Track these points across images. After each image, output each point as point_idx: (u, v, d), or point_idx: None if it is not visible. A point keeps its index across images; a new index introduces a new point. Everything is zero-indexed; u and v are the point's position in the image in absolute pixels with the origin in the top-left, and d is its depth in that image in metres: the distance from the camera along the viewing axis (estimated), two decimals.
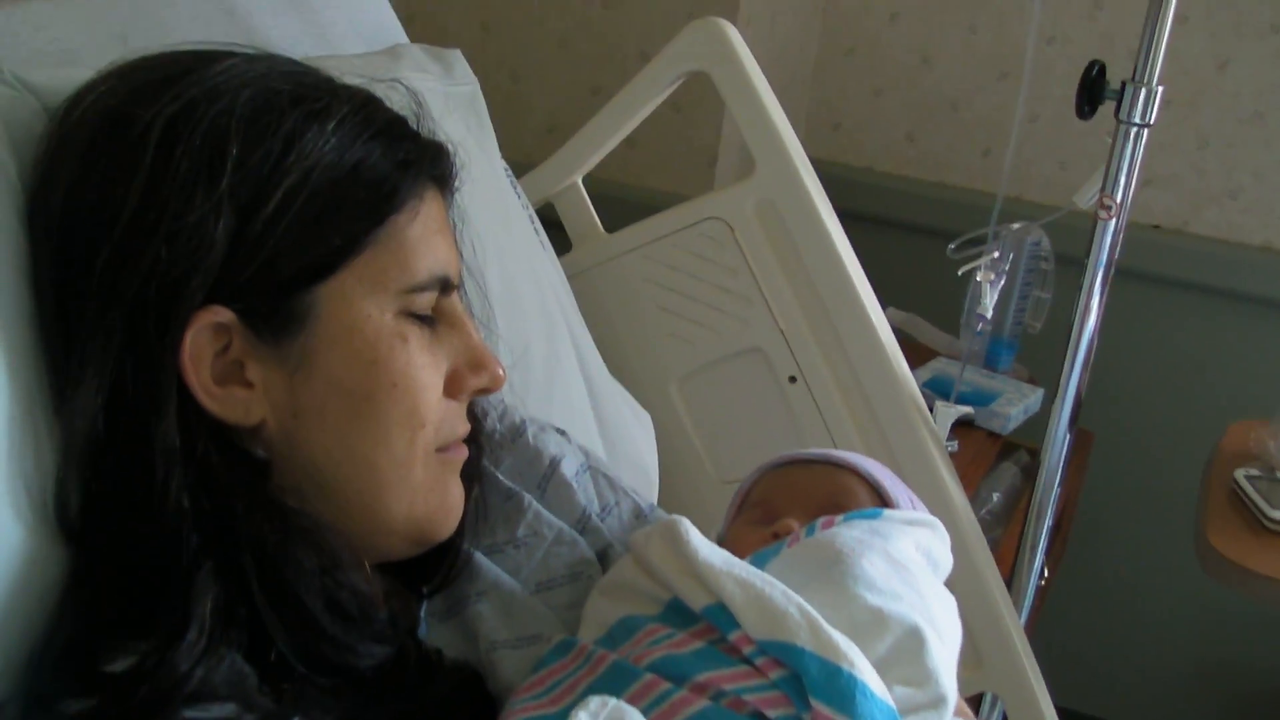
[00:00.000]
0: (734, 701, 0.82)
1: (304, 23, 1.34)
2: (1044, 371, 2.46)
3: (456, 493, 0.95)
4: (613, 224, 1.72)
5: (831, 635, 0.84)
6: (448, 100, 1.36)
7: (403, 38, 1.47)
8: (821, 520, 1.00)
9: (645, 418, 1.55)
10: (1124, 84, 1.60)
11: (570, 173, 1.69)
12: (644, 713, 0.81)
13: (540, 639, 0.97)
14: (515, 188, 1.47)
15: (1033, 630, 1.95)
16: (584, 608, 0.98)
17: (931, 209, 2.79)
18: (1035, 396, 2.32)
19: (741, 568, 0.90)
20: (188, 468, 0.81)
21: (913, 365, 1.69)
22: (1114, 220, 1.62)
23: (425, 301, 0.90)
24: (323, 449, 0.87)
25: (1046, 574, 2.16)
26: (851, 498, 1.07)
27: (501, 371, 0.95)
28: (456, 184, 0.97)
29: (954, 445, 2.10)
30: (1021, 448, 2.30)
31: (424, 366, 0.90)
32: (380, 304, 0.87)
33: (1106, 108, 1.65)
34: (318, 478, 0.88)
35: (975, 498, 2.07)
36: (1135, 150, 1.62)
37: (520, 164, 1.63)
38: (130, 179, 0.80)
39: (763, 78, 1.59)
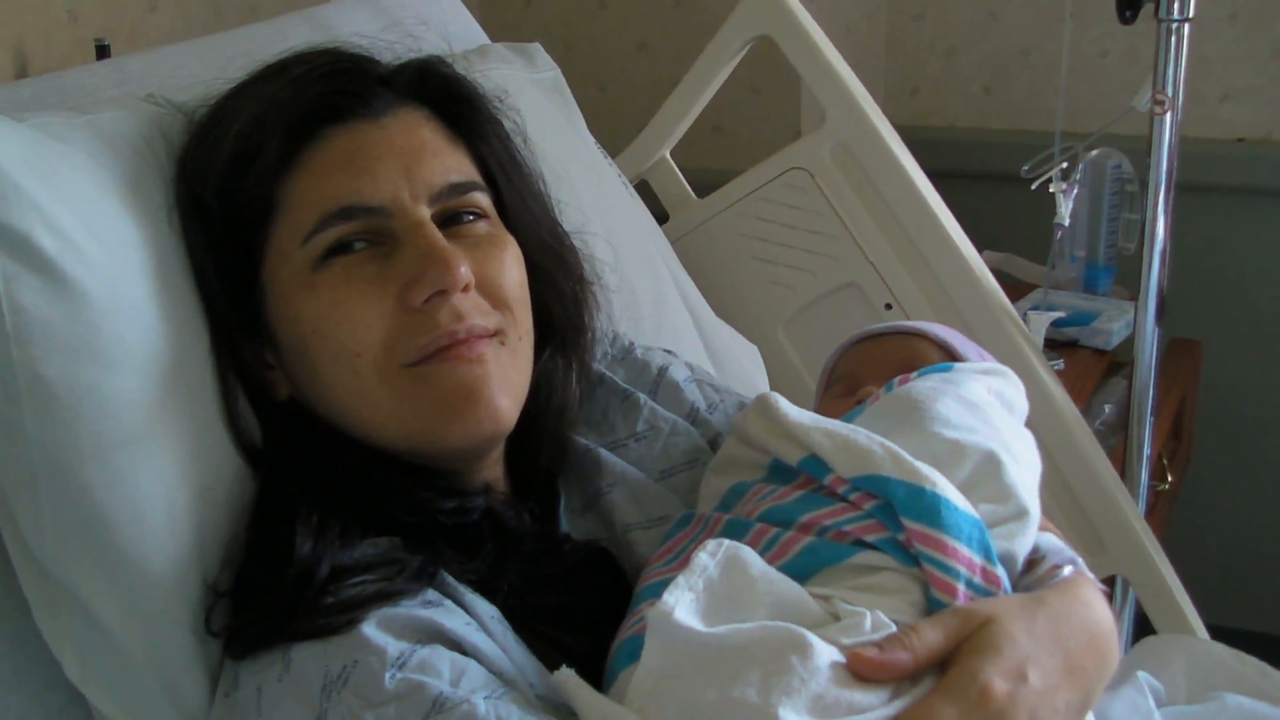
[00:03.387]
0: (836, 534, 0.93)
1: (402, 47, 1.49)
2: None
3: (460, 392, 0.96)
4: None
5: (913, 462, 0.93)
6: (534, 87, 1.51)
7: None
8: (898, 379, 1.10)
9: (753, 349, 1.67)
10: None
11: (658, 147, 1.83)
12: (759, 554, 0.91)
13: (668, 519, 1.08)
14: (606, 157, 1.61)
15: (1170, 543, 1.99)
16: (699, 488, 1.10)
17: (1017, 155, 2.85)
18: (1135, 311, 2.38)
19: (828, 422, 1.00)
20: (276, 440, 1.02)
21: (1013, 299, 1.78)
22: (1169, 114, 1.71)
23: (329, 239, 0.96)
24: (316, 405, 1.01)
25: (1170, 478, 2.23)
26: (924, 359, 1.16)
27: (455, 271, 0.94)
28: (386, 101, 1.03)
29: (1059, 363, 2.18)
30: (1129, 363, 2.37)
31: (341, 303, 0.95)
32: (292, 266, 0.98)
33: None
34: (335, 425, 1.01)
35: (1088, 411, 2.15)
36: (1179, 45, 1.71)
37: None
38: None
39: (821, 33, 1.72)
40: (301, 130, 0.99)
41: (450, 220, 1.01)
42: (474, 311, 0.97)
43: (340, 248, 0.97)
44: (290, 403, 1.02)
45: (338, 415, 1.00)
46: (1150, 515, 2.01)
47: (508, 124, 1.11)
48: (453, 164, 1.02)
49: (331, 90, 1.00)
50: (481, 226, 1.03)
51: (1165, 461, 2.24)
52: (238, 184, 0.98)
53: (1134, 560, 1.68)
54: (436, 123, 1.05)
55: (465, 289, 0.97)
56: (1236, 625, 2.88)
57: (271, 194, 0.98)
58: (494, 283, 1.00)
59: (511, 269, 1.02)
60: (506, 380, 0.99)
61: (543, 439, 1.09)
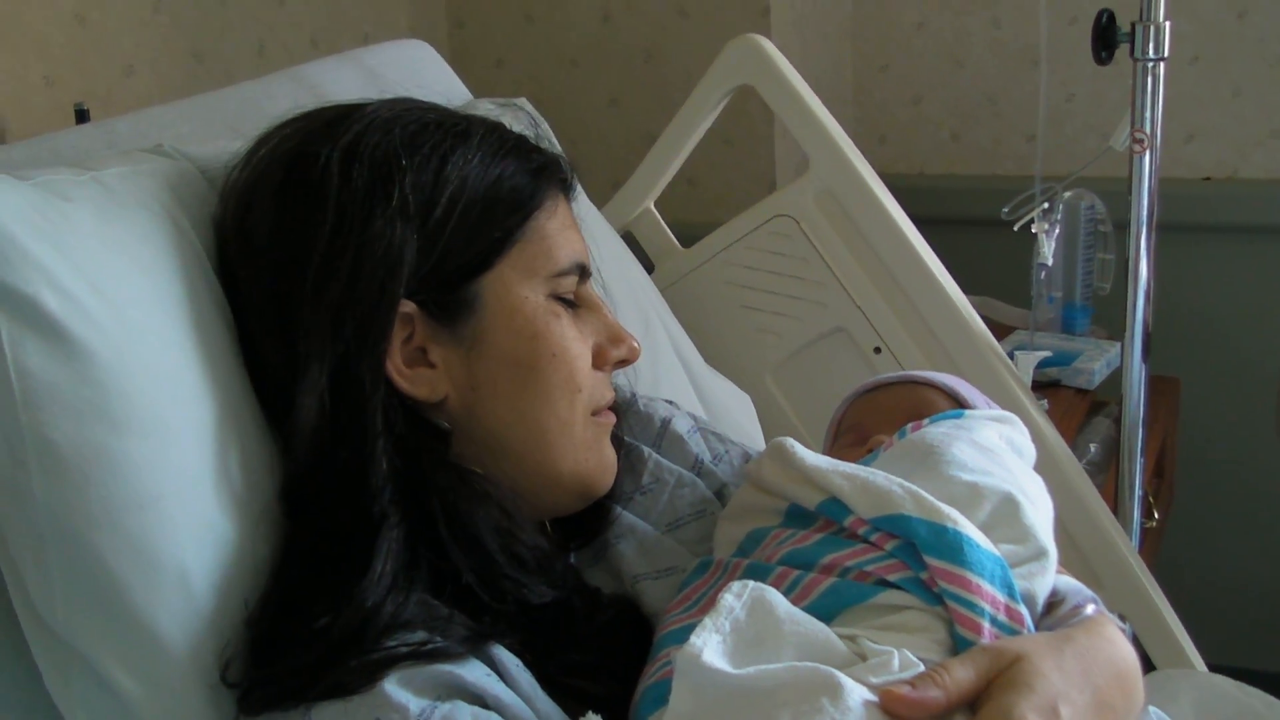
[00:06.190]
0: (859, 574, 0.93)
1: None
2: (1122, 331, 2.55)
3: (610, 451, 1.09)
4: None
5: (933, 501, 0.94)
6: None
7: None
8: (910, 426, 1.11)
9: (745, 398, 1.67)
10: (1134, 25, 1.72)
11: (642, 199, 1.84)
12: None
13: (676, 570, 1.09)
14: (594, 209, 1.61)
15: (1163, 582, 2.00)
16: (714, 536, 1.10)
17: (987, 200, 2.88)
18: (1115, 350, 2.40)
19: (845, 465, 1.01)
20: (387, 440, 0.96)
21: None
22: (1149, 152, 1.73)
23: (569, 284, 1.05)
24: (497, 416, 1.02)
25: (1156, 515, 2.24)
26: (933, 407, 1.17)
27: (637, 345, 1.09)
28: (574, 189, 1.12)
29: (1045, 404, 2.19)
30: (1110, 402, 2.38)
31: (574, 339, 1.04)
32: (533, 288, 1.03)
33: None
34: (494, 442, 1.02)
35: (1073, 449, 2.15)
36: (1155, 85, 1.73)
37: None
38: (323, 203, 0.97)
39: (801, 80, 1.73)
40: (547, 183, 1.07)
41: None
42: None
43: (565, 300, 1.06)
44: (418, 408, 1.01)
45: (523, 431, 1.03)
46: (1140, 552, 2.02)
47: None
48: None
49: (556, 162, 1.09)
50: None
51: (1151, 499, 2.25)
52: (489, 211, 1.02)
53: (1132, 598, 1.68)
54: None
55: None
56: (1223, 661, 2.90)
57: (522, 226, 1.03)
58: None
59: None
60: None
61: (600, 502, 1.12)
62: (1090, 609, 0.97)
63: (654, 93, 2.66)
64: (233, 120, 1.33)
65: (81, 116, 1.79)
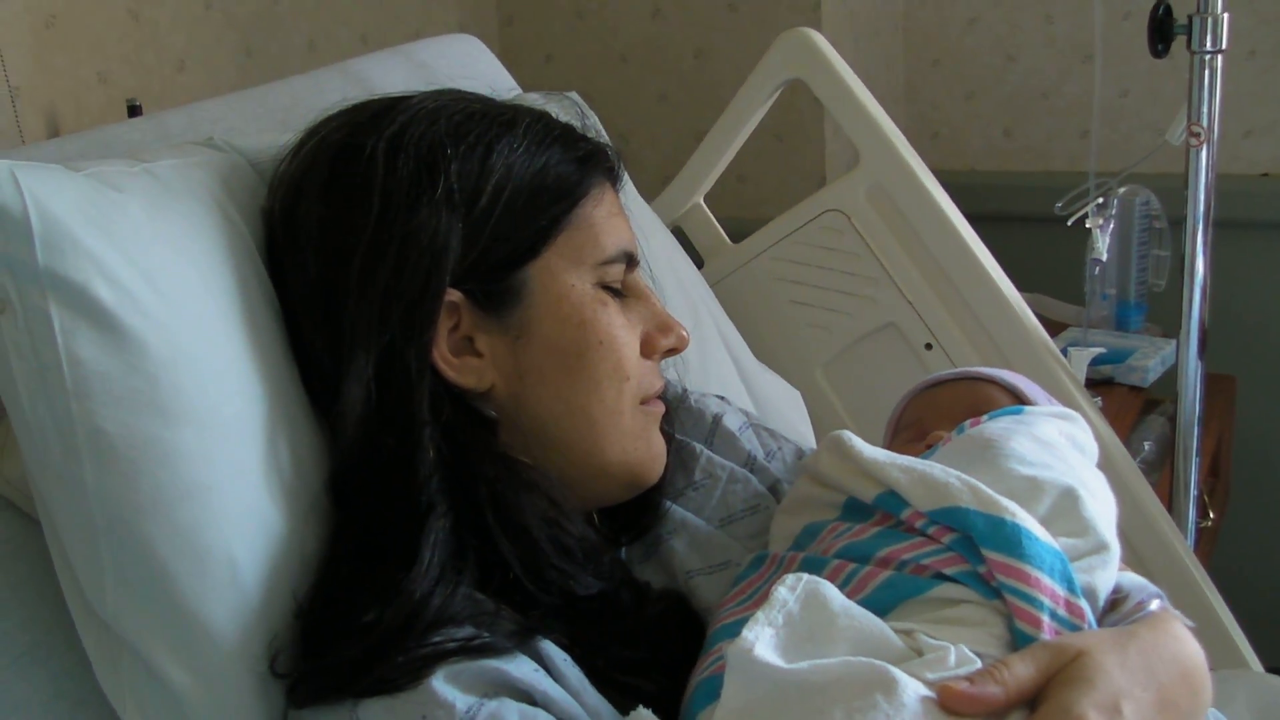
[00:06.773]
0: (915, 568, 0.92)
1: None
2: (1176, 328, 2.51)
3: (659, 441, 1.08)
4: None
5: (991, 494, 0.92)
6: None
7: None
8: (969, 421, 1.10)
9: (795, 394, 1.66)
10: (1190, 17, 1.70)
11: (692, 194, 1.83)
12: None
13: (730, 565, 1.08)
14: (644, 204, 1.61)
15: (1218, 582, 1.98)
16: (770, 529, 1.09)
17: (1040, 197, 2.85)
18: (1171, 347, 2.37)
19: (903, 458, 1.00)
20: (434, 428, 0.95)
21: None
22: (1206, 147, 1.70)
23: (616, 273, 1.04)
24: (544, 404, 1.01)
25: (1212, 515, 2.21)
26: (993, 403, 1.16)
27: (685, 333, 1.09)
28: (621, 178, 1.11)
29: (1098, 401, 2.16)
30: (1165, 400, 2.35)
31: (622, 327, 1.03)
32: (580, 276, 1.02)
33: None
34: (541, 431, 1.02)
35: (1127, 447, 2.12)
36: (1213, 78, 1.71)
37: None
38: (368, 193, 0.97)
39: (852, 74, 1.71)
40: (594, 172, 1.06)
41: None
42: None
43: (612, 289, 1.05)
44: (465, 397, 1.01)
45: (570, 420, 1.02)
46: (1195, 552, 1.99)
47: None
48: None
49: (602, 150, 1.08)
50: None
51: (1206, 498, 2.22)
52: (535, 199, 1.01)
53: (1187, 598, 1.66)
54: None
55: None
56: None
57: (568, 214, 1.03)
58: None
59: None
60: None
61: (649, 495, 1.11)
62: (1155, 605, 0.95)
63: (704, 89, 2.65)
64: (282, 114, 1.33)
65: (134, 112, 1.80)
